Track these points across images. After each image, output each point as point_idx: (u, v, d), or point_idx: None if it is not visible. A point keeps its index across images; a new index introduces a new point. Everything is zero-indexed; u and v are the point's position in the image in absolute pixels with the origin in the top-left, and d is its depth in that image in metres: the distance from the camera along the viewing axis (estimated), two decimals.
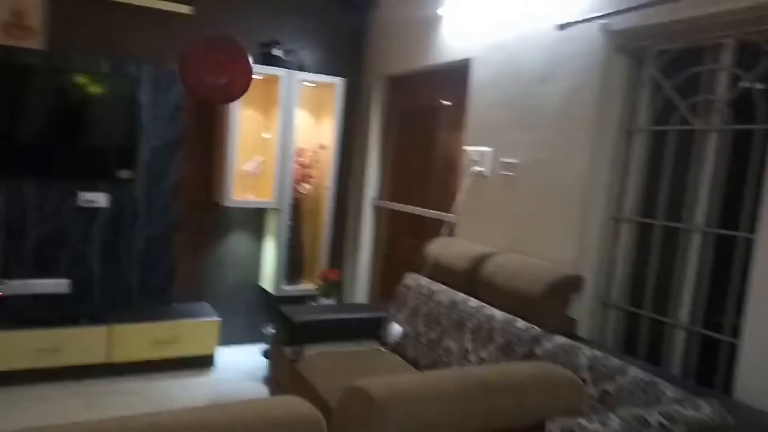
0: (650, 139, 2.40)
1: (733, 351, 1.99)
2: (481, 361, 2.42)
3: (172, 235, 3.76)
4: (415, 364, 2.78)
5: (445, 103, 3.64)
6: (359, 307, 3.67)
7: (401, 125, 4.08)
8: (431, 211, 3.61)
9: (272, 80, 3.80)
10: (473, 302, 2.64)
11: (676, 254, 2.26)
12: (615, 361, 1.98)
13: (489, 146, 3.02)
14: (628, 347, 2.43)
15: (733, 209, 2.06)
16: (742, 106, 2.05)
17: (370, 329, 3.13)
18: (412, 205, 3.82)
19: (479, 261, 2.75)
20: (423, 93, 3.86)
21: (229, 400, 3.38)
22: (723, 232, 2.10)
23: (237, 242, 4.08)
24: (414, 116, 3.95)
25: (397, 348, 2.94)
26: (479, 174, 3.05)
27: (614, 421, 1.51)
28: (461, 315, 2.63)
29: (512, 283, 2.48)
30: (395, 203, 4.02)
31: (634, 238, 2.45)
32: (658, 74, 2.35)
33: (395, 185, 4.11)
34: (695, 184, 2.21)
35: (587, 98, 2.48)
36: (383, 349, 2.98)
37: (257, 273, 4.15)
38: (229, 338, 4.01)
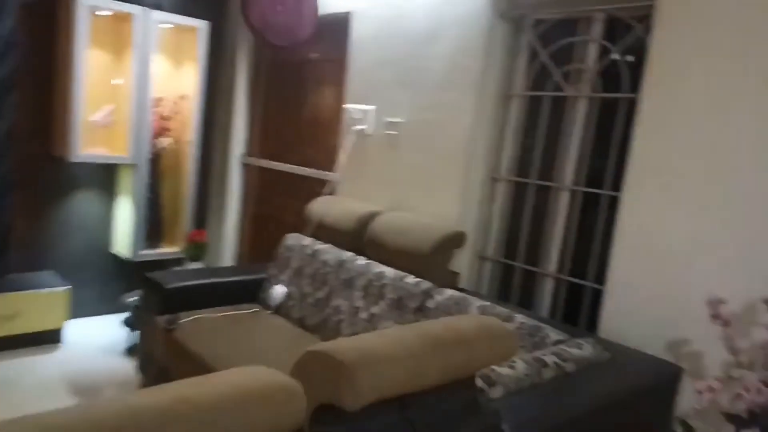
0: (526, 103, 2.58)
1: (596, 296, 2.26)
2: (372, 317, 2.47)
3: (6, 194, 3.23)
4: (302, 325, 2.75)
5: (312, 56, 3.53)
6: (235, 270, 3.51)
7: (272, 78, 3.90)
8: (309, 169, 3.54)
9: (124, 18, 3.38)
10: (362, 260, 2.66)
11: (547, 210, 2.48)
12: (501, 309, 2.14)
13: (372, 105, 3.01)
14: (502, 295, 2.64)
15: (599, 169, 2.30)
16: (610, 76, 2.28)
17: (249, 292, 3.03)
18: (288, 163, 3.70)
19: (366, 220, 2.77)
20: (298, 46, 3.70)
21: (85, 376, 3.10)
22: (589, 190, 2.34)
23: (86, 202, 3.64)
24: (287, 70, 3.79)
25: (280, 309, 2.88)
26: (362, 133, 3.04)
27: (519, 363, 1.65)
28: (350, 273, 2.64)
29: (401, 240, 2.54)
30: (267, 161, 3.87)
31: (510, 196, 2.63)
32: (535, 42, 2.50)
33: (267, 142, 3.95)
34: (565, 146, 2.42)
35: (471, 62, 2.57)
36: (265, 312, 2.91)
37: (110, 237, 3.76)
38: (80, 310, 3.61)
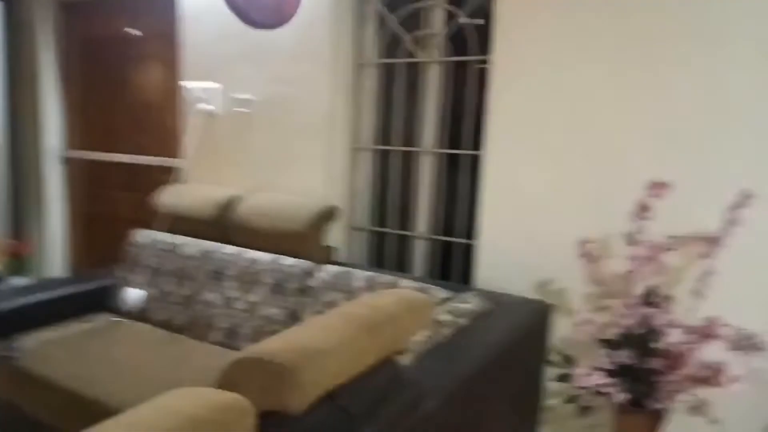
0: (381, 71, 2.59)
1: (466, 251, 2.39)
2: (251, 305, 2.35)
3: None
4: (168, 327, 2.52)
5: (132, 32, 3.19)
6: (74, 279, 3.08)
7: (87, 58, 3.43)
8: (146, 157, 3.21)
9: None
10: (229, 249, 2.50)
11: (413, 175, 2.54)
12: (386, 277, 2.16)
13: (216, 82, 2.80)
14: (377, 262, 2.67)
15: (458, 131, 2.41)
16: (460, 40, 2.37)
17: (96, 301, 2.69)
18: (119, 153, 3.32)
19: (227, 205, 2.60)
20: (111, 20, 3.30)
21: None
22: (451, 151, 2.44)
23: None
24: (104, 48, 3.36)
25: (140, 314, 2.61)
26: (208, 112, 2.82)
27: None
28: (218, 264, 2.47)
29: (272, 222, 2.43)
30: (93, 152, 3.43)
31: (375, 165, 2.65)
32: (382, 9, 2.51)
33: (90, 131, 3.49)
34: (424, 111, 2.49)
35: (320, 32, 2.50)
36: (123, 320, 2.61)
37: None
38: None
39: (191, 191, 2.75)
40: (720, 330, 1.55)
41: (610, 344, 1.70)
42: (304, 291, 2.28)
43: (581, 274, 2.02)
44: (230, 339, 2.35)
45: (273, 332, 2.26)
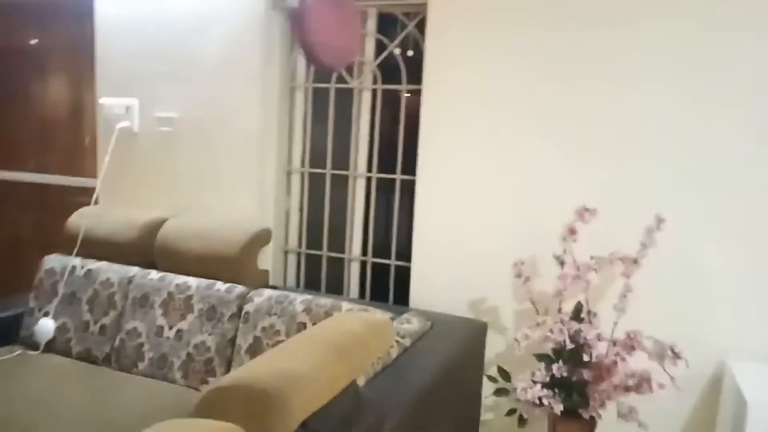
0: (313, 95, 2.61)
1: (399, 272, 2.45)
2: (180, 333, 2.25)
3: None
4: (87, 359, 2.36)
5: (34, 42, 2.99)
6: None
7: None
8: (53, 176, 2.99)
9: None
10: (155, 274, 2.39)
11: (346, 199, 2.58)
12: (326, 300, 2.16)
13: (135, 98, 2.68)
14: (310, 285, 2.67)
15: (391, 155, 2.48)
16: (390, 68, 2.45)
17: (3, 334, 2.47)
18: (19, 171, 3.07)
19: (151, 228, 2.48)
20: (16, 31, 3.06)
21: None
22: (383, 176, 2.50)
23: None
24: (6, 60, 3.10)
25: (52, 347, 2.42)
26: (127, 131, 2.69)
27: None
28: (143, 290, 2.35)
29: (203, 245, 2.36)
30: None
31: (308, 188, 2.65)
32: None
33: None
34: (356, 136, 2.54)
35: (250, 53, 2.49)
36: (33, 353, 2.41)
37: None
38: None
39: (109, 212, 2.60)
40: (641, 341, 1.72)
41: (546, 358, 1.82)
42: (238, 317, 2.22)
43: (513, 292, 2.14)
44: (159, 369, 2.24)
45: (207, 360, 2.19)
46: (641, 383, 1.66)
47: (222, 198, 2.61)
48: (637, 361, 1.73)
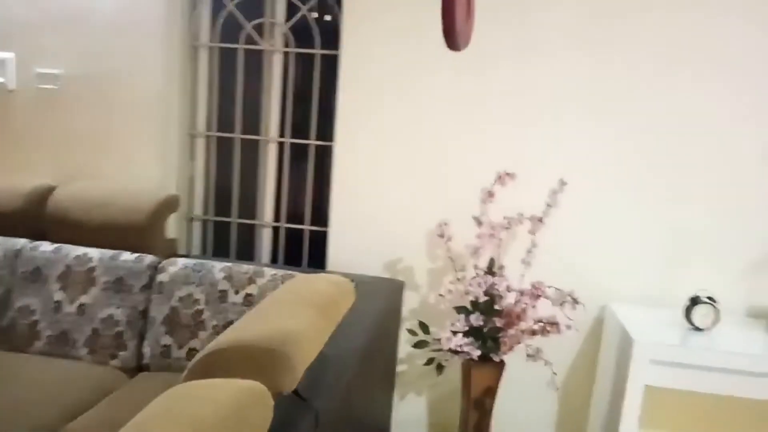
0: (220, 55, 2.50)
1: (314, 237, 2.49)
2: (85, 308, 2.11)
3: None
4: None
5: None
6: None
7: None
8: None
9: None
10: (47, 246, 2.19)
11: (257, 164, 2.54)
12: (247, 267, 2.14)
13: (11, 52, 2.38)
14: (220, 252, 2.61)
15: (305, 120, 2.48)
16: (304, 32, 2.43)
17: None
18: None
19: (38, 197, 2.26)
20: None
21: None
22: (296, 141, 2.50)
23: None
24: None
25: None
26: (0, 88, 2.39)
27: None
28: (34, 264, 2.15)
29: (104, 215, 2.20)
30: None
31: (215, 152, 2.56)
32: None
33: None
34: (267, 99, 2.50)
35: (150, 7, 2.32)
36: None
37: None
38: None
39: None
40: (544, 290, 1.95)
41: (464, 310, 1.99)
42: (150, 288, 2.13)
43: (427, 253, 2.29)
44: (60, 347, 2.09)
45: (116, 335, 2.08)
46: (549, 326, 1.90)
47: (118, 163, 2.44)
48: (543, 308, 1.96)
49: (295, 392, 1.14)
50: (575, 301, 1.90)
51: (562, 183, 2.00)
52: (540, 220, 2.00)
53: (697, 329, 1.92)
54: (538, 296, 1.95)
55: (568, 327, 1.87)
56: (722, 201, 2.08)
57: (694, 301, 1.93)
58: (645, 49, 2.06)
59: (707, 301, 1.91)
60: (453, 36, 1.02)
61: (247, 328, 0.99)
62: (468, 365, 2.05)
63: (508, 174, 1.97)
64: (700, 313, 1.92)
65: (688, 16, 2.02)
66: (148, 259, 2.16)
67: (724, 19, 2.00)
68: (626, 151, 2.12)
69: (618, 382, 1.93)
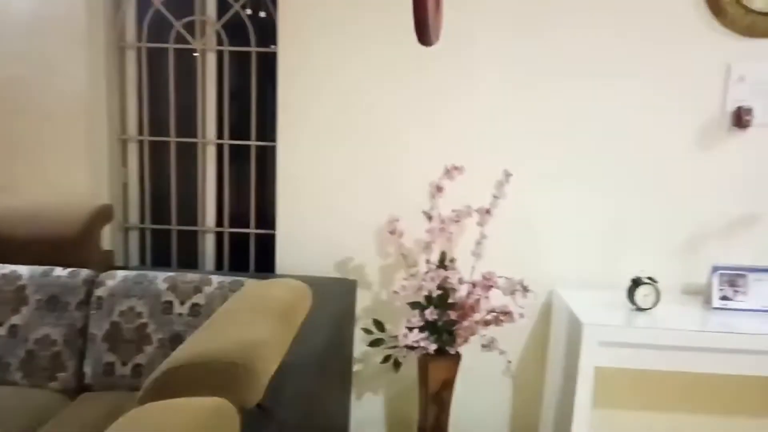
0: (149, 56, 2.39)
1: (261, 241, 2.43)
2: (16, 329, 1.96)
3: None
4: None
5: None
6: None
7: None
8: None
9: None
10: None
11: (196, 168, 2.44)
12: (192, 276, 2.06)
13: None
14: (160, 262, 2.50)
15: (244, 121, 2.40)
16: (237, 29, 2.35)
17: None
18: None
19: None
20: None
21: None
22: (236, 142, 2.42)
23: None
24: None
25: None
26: None
27: None
28: None
29: (31, 230, 2.05)
30: None
31: (148, 158, 2.45)
32: None
33: None
34: (203, 100, 2.40)
35: (72, 8, 2.18)
36: None
37: None
38: None
39: None
40: (496, 281, 1.98)
41: (418, 305, 1.99)
42: (90, 303, 2.00)
43: (378, 250, 2.27)
44: None
45: (53, 355, 1.95)
46: (502, 316, 1.93)
47: (40, 173, 2.28)
48: (495, 298, 1.99)
49: (258, 404, 1.10)
50: (526, 289, 1.93)
51: (508, 174, 2.03)
52: (488, 211, 2.03)
53: (640, 309, 2.00)
54: (490, 287, 1.98)
55: (521, 315, 1.90)
56: (655, 188, 2.18)
57: (636, 282, 2.01)
58: (577, 49, 2.12)
59: (648, 281, 1.99)
60: (425, 30, 1.00)
61: (205, 342, 0.94)
62: (424, 360, 2.06)
63: (456, 167, 1.98)
64: (642, 294, 2.00)
65: (614, 21, 2.10)
66: (84, 273, 2.03)
67: (645, 22, 2.09)
68: (567, 143, 2.18)
69: (569, 365, 1.99)
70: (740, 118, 2.07)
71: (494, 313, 1.96)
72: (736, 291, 2.05)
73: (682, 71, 2.11)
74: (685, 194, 2.18)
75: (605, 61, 2.12)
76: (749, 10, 2.03)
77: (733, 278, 2.05)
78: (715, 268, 2.06)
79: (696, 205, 2.18)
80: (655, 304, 1.99)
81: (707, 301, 2.09)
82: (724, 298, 2.05)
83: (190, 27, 2.35)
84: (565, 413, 1.99)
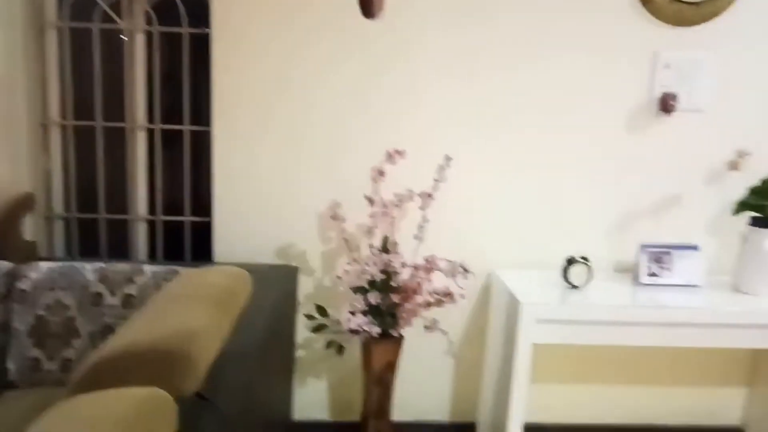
0: (72, 36, 2.25)
1: (197, 228, 2.35)
2: None
3: None
4: None
5: None
6: None
7: None
8: None
9: None
10: None
11: (125, 153, 2.33)
12: (123, 266, 1.97)
13: None
14: (88, 252, 2.38)
15: (176, 105, 2.31)
16: (168, 10, 2.25)
17: None
18: None
19: None
20: None
21: None
22: (168, 127, 2.32)
23: None
24: None
25: None
26: None
27: None
28: None
29: None
30: None
31: (73, 143, 2.31)
32: None
33: None
34: (131, 83, 2.29)
35: None
36: None
37: None
38: None
39: None
40: (437, 263, 2.00)
41: (361, 290, 1.99)
42: (11, 297, 1.88)
43: (319, 236, 2.25)
44: None
45: None
46: (444, 297, 1.95)
47: None
48: (437, 280, 2.01)
49: (197, 393, 1.06)
50: (466, 271, 1.96)
51: (448, 158, 2.05)
52: (429, 195, 2.04)
53: (574, 287, 2.07)
54: (432, 269, 2.00)
55: (462, 296, 1.93)
56: (587, 171, 2.26)
57: (570, 261, 2.08)
58: (516, 35, 2.16)
59: (581, 260, 2.07)
60: (369, 3, 0.98)
61: (139, 330, 0.90)
62: (368, 343, 2.06)
63: (397, 152, 1.98)
64: (575, 272, 2.07)
65: (550, 9, 2.15)
66: (4, 265, 1.91)
67: (578, 10, 2.16)
68: (504, 128, 2.22)
69: (507, 342, 2.04)
70: (666, 104, 2.17)
71: (436, 295, 1.98)
72: (662, 268, 2.16)
73: (613, 58, 2.19)
74: (616, 177, 2.27)
75: (541, 47, 2.17)
76: (675, 0, 2.12)
77: (659, 255, 2.16)
78: (643, 247, 2.16)
79: (626, 187, 2.28)
80: (588, 281, 2.06)
81: (636, 277, 2.19)
82: (652, 274, 2.16)
83: (116, 6, 2.23)
84: (503, 389, 2.05)
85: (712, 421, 2.46)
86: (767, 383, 2.36)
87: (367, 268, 1.95)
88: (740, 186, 2.23)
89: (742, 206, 2.06)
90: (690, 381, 2.43)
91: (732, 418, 2.46)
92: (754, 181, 2.10)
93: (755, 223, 2.05)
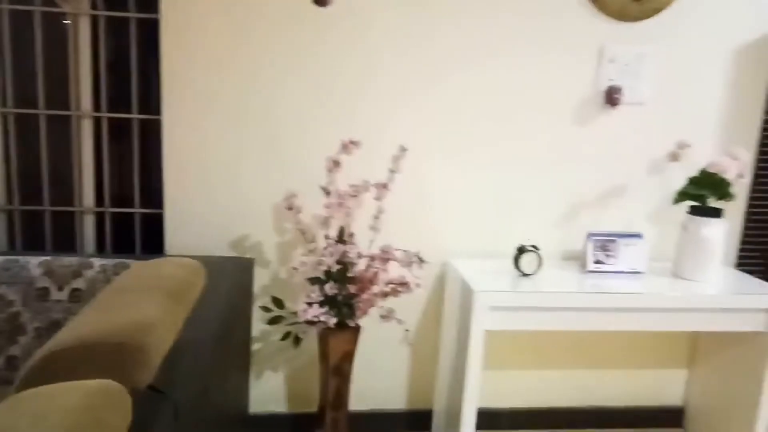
0: (12, 19, 2.14)
1: (147, 220, 2.29)
2: None
3: None
4: None
5: None
6: None
7: None
8: None
9: None
10: None
11: (70, 143, 2.24)
12: (70, 259, 1.91)
13: None
14: (30, 246, 2.29)
15: (124, 93, 2.24)
16: None
17: None
18: None
19: None
20: None
21: None
22: (115, 115, 2.25)
23: None
24: None
25: None
26: None
27: None
28: None
29: None
30: None
31: (14, 132, 2.21)
32: None
33: None
34: (75, 69, 2.21)
35: None
36: None
37: None
38: None
39: None
40: (393, 253, 2.02)
41: (318, 281, 1.99)
42: None
43: (274, 227, 2.23)
44: None
45: None
46: (400, 287, 1.97)
47: None
48: (393, 270, 2.03)
49: (150, 386, 1.04)
50: (421, 261, 1.99)
51: (403, 149, 2.07)
52: (384, 186, 2.05)
53: (525, 275, 2.13)
54: (388, 259, 2.01)
55: (418, 285, 1.96)
56: (537, 163, 2.32)
57: (521, 250, 2.14)
58: (470, 28, 2.19)
59: (531, 249, 2.13)
60: None
61: (89, 323, 0.87)
62: (325, 334, 2.06)
63: (353, 142, 1.98)
64: (526, 261, 2.13)
65: (501, 3, 2.19)
66: None
67: (528, 4, 2.21)
68: (458, 120, 2.25)
69: (462, 330, 2.08)
70: (611, 97, 2.25)
71: (392, 285, 2.00)
72: (608, 255, 2.24)
73: (561, 51, 2.25)
74: (564, 168, 2.34)
75: (492, 41, 2.21)
76: None
77: (605, 244, 2.24)
78: (590, 235, 2.24)
79: (573, 177, 2.35)
80: (538, 269, 2.13)
81: (583, 265, 2.27)
82: (598, 262, 2.24)
83: None
84: (458, 376, 2.09)
85: (656, 401, 2.58)
86: (706, 364, 2.49)
87: (323, 258, 1.95)
88: (680, 177, 2.34)
89: (682, 196, 2.16)
90: (635, 364, 2.54)
91: (674, 399, 2.59)
92: (693, 171, 2.21)
93: (694, 211, 2.16)
